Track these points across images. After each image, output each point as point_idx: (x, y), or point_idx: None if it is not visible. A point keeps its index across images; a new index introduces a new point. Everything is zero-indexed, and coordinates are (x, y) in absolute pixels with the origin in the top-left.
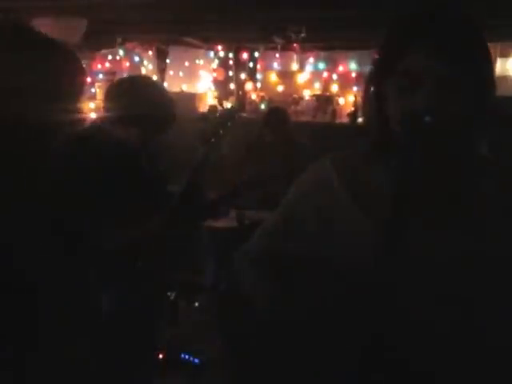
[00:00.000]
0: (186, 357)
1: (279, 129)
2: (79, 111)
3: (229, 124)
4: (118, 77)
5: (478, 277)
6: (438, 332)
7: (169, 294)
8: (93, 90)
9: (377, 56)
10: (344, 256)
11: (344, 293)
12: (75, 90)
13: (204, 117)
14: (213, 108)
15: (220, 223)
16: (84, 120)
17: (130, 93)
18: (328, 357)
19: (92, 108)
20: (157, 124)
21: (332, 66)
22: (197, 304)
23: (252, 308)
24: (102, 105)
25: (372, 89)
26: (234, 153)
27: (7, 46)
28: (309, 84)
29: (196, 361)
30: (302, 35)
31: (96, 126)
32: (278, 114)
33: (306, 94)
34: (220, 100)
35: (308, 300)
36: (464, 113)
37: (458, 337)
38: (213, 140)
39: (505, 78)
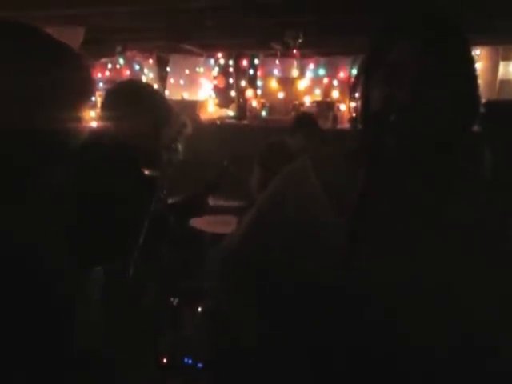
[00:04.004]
0: (189, 361)
1: (314, 136)
2: (81, 120)
3: (184, 132)
4: None
5: (446, 275)
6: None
7: (171, 299)
8: (93, 99)
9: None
10: (316, 254)
11: (314, 289)
12: (81, 99)
13: None
14: None
15: (221, 229)
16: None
17: (126, 94)
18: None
19: (93, 117)
20: (155, 120)
21: (332, 71)
22: (200, 309)
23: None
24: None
25: (361, 83)
26: (236, 163)
27: (15, 46)
28: (309, 90)
29: (199, 365)
30: (300, 41)
31: (95, 134)
32: (310, 120)
33: (307, 100)
34: None
35: (278, 304)
36: (439, 114)
37: (432, 333)
38: (173, 146)
39: (508, 81)
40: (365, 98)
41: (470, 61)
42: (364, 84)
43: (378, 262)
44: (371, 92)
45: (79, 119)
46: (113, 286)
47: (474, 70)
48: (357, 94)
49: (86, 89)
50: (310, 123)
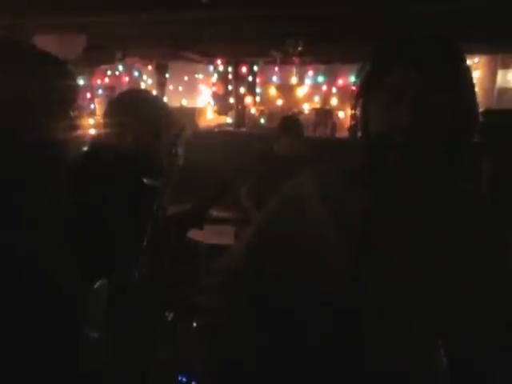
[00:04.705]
0: (184, 379)
1: (298, 138)
2: (71, 128)
3: (182, 135)
4: (117, 92)
5: (446, 294)
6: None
7: (166, 314)
8: (92, 106)
9: (362, 74)
10: (316, 270)
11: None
12: (66, 106)
13: None
14: None
15: (218, 240)
16: (79, 138)
17: (127, 103)
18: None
19: (91, 124)
20: (157, 128)
21: (331, 79)
22: (195, 324)
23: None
24: (101, 121)
25: (358, 105)
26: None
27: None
28: (308, 97)
29: (193, 383)
30: (300, 49)
31: (95, 145)
32: (295, 122)
33: (306, 107)
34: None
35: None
36: (440, 133)
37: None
38: (173, 150)
39: (506, 89)
40: (365, 117)
41: (468, 77)
42: (364, 103)
43: (382, 278)
44: (371, 112)
45: (67, 128)
46: (114, 298)
47: (472, 85)
48: (357, 112)
49: (67, 95)
50: (293, 126)
